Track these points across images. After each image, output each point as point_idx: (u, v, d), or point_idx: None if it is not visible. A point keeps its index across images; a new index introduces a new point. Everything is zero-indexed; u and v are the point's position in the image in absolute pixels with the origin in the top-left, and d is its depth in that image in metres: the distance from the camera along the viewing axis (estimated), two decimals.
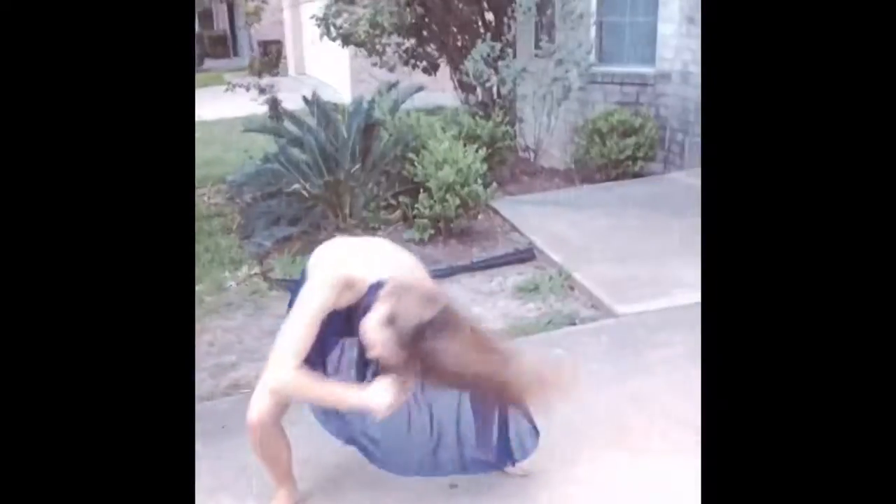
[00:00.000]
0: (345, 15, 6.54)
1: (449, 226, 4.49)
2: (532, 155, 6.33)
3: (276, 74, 9.20)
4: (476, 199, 4.41)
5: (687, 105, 6.05)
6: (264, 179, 4.71)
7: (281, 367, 1.79)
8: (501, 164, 5.70)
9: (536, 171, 6.30)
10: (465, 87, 6.63)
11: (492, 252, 4.43)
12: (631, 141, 5.77)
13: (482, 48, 5.85)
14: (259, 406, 1.92)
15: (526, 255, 4.32)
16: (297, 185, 4.45)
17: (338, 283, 1.79)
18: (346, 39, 6.64)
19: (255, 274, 4.14)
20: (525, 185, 5.94)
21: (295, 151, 4.70)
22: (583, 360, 3.00)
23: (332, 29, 6.33)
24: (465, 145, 4.57)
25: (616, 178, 5.90)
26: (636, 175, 5.89)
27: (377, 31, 6.85)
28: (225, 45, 24.11)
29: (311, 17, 6.28)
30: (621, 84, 6.50)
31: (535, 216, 4.92)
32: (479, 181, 4.41)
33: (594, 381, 2.81)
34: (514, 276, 4.13)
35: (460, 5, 7.78)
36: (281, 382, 1.82)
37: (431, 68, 7.85)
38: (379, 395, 1.79)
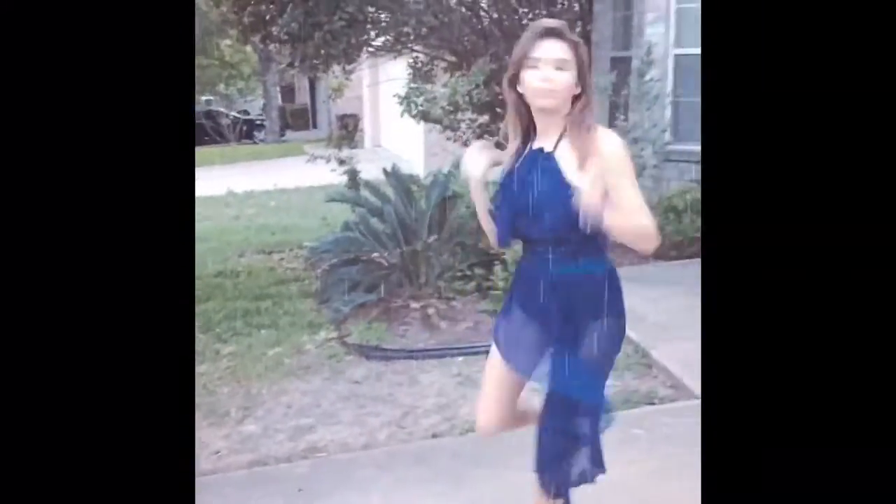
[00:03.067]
0: (426, 93, 6.82)
1: None
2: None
3: (354, 147, 9.54)
4: None
5: None
6: (343, 247, 4.85)
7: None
8: None
9: (611, 247, 6.28)
10: None
11: None
12: None
13: None
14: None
15: None
16: (375, 254, 4.57)
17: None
18: (425, 116, 6.91)
19: (333, 338, 4.23)
20: None
21: (374, 221, 4.84)
22: (664, 443, 2.93)
23: (412, 107, 6.60)
24: None
25: (690, 257, 5.82)
26: None
27: (452, 108, 7.08)
28: (305, 118, 25.23)
29: (394, 96, 6.57)
30: (697, 163, 6.49)
31: None
32: None
33: (676, 464, 2.72)
34: None
35: None
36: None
37: (504, 143, 8.04)
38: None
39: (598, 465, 2.05)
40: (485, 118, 7.88)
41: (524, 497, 2.61)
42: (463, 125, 7.77)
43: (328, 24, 6.05)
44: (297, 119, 25.07)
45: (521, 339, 1.94)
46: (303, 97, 26.20)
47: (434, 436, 3.14)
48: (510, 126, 1.87)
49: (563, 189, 1.72)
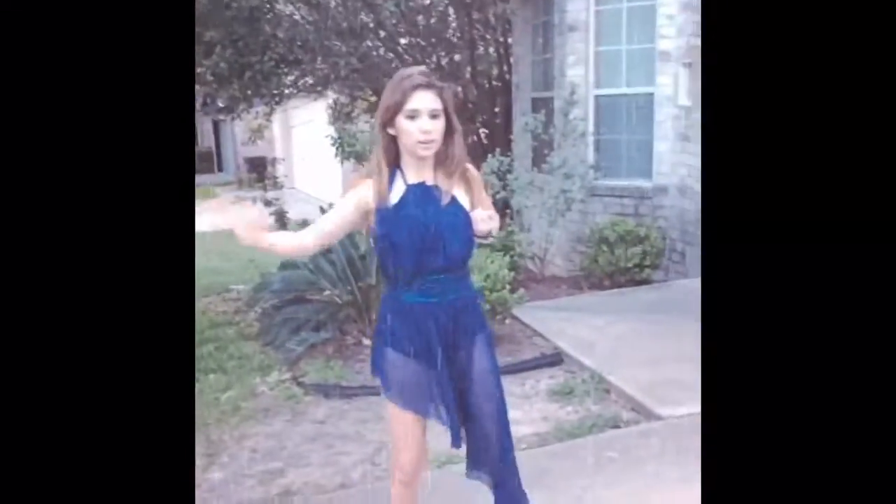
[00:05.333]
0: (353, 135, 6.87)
1: None
2: (539, 263, 6.49)
3: (273, 188, 9.42)
4: (504, 305, 4.49)
5: (686, 216, 6.33)
6: (292, 285, 4.76)
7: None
8: (512, 271, 5.83)
9: (543, 279, 6.45)
10: None
11: (519, 356, 4.47)
12: (638, 249, 5.99)
13: (492, 162, 6.12)
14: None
15: (554, 359, 4.37)
16: (327, 292, 4.50)
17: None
18: (358, 157, 6.94)
19: (286, 379, 4.11)
20: (534, 291, 6.06)
21: (321, 259, 4.78)
22: (639, 463, 3.01)
23: (343, 148, 6.61)
24: (490, 253, 4.70)
25: (623, 286, 6.06)
26: (642, 282, 6.07)
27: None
28: (210, 161, 24.63)
29: (327, 137, 6.56)
30: (620, 196, 6.80)
31: (553, 321, 5.00)
32: (506, 287, 4.51)
33: (657, 483, 2.81)
34: (546, 379, 4.16)
35: (461, 126, 8.18)
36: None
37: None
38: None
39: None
40: None
41: None
42: None
43: (258, 63, 5.99)
44: (202, 162, 24.43)
45: (414, 379, 2.00)
46: (206, 140, 25.61)
47: None
48: (379, 163, 1.95)
49: (464, 217, 1.93)
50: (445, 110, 1.90)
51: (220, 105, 9.92)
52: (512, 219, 6.35)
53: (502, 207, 6.60)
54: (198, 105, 12.37)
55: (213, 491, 3.04)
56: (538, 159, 6.85)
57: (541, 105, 7.42)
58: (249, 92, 6.69)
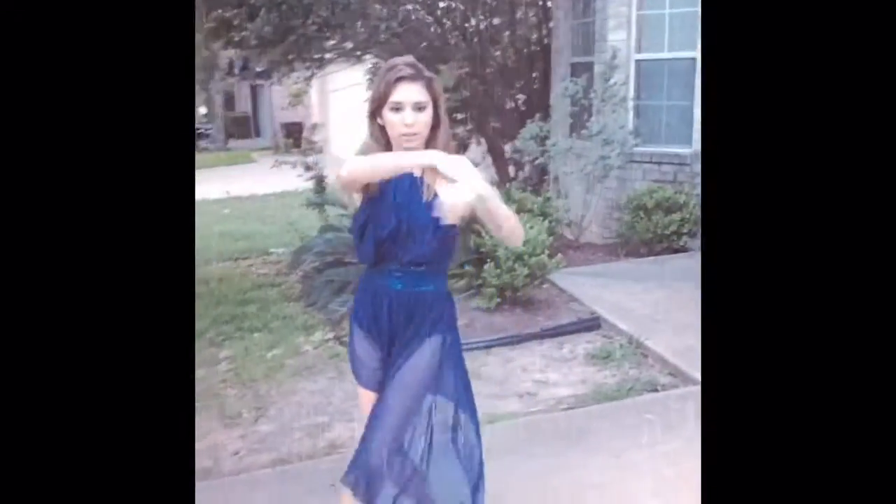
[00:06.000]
0: None
1: (515, 295, 4.61)
2: (576, 229, 6.51)
3: (312, 153, 9.51)
4: (542, 269, 4.54)
5: None
6: (333, 247, 4.86)
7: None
8: (551, 236, 5.86)
9: (580, 246, 6.47)
10: (516, 165, 6.89)
11: (556, 321, 4.53)
12: (676, 217, 5.96)
13: (532, 128, 6.11)
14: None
15: (592, 323, 4.42)
16: None
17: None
18: None
19: (330, 339, 4.23)
20: (571, 258, 6.09)
21: None
22: (676, 426, 3.07)
23: None
24: (529, 218, 4.74)
25: (660, 253, 6.05)
26: (679, 250, 6.05)
27: None
28: (247, 126, 24.83)
29: (365, 102, 6.59)
30: (659, 163, 6.75)
31: (590, 287, 5.04)
32: (545, 252, 4.55)
33: (694, 446, 2.86)
34: (584, 344, 4.22)
35: (499, 91, 8.17)
36: (346, 170, 1.84)
37: (460, 148, 8.18)
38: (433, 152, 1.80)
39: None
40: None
41: (547, 483, 2.71)
42: None
43: (301, 28, 6.04)
44: (240, 127, 24.66)
45: (370, 360, 2.01)
46: (243, 105, 25.80)
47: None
48: (368, 152, 1.93)
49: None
50: (435, 101, 1.88)
51: (258, 70, 9.99)
52: (550, 185, 6.36)
53: (540, 174, 6.62)
54: (236, 70, 12.45)
55: (262, 442, 3.17)
56: (577, 125, 6.81)
57: (580, 70, 7.34)
58: (291, 56, 6.73)
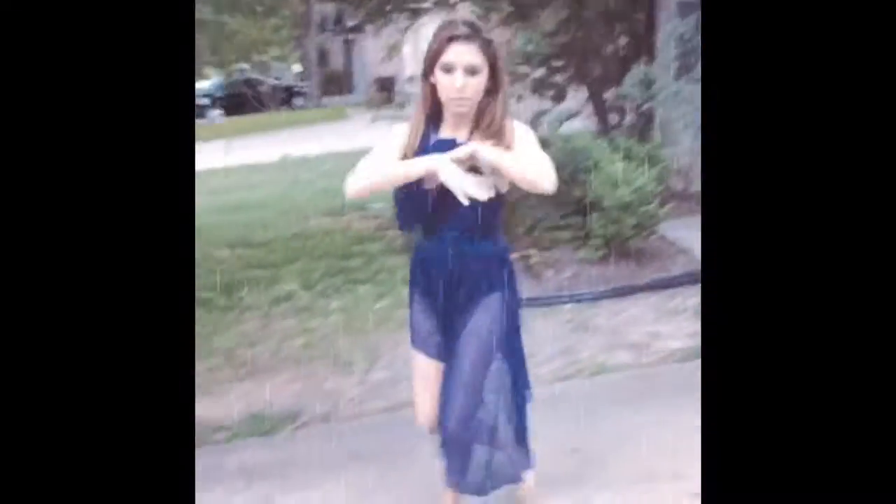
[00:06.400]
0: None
1: (621, 246, 4.49)
2: (685, 178, 6.25)
3: (409, 105, 9.52)
4: (651, 219, 4.39)
5: None
6: None
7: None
8: (660, 186, 5.66)
9: (689, 195, 6.21)
10: (619, 112, 6.68)
11: (664, 273, 4.38)
12: None
13: (637, 73, 5.86)
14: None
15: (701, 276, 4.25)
16: None
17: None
18: None
19: None
20: (678, 208, 5.86)
21: None
22: None
23: None
24: (637, 166, 4.58)
25: None
26: None
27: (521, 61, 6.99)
28: (341, 83, 25.14)
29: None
30: None
31: (698, 239, 4.84)
32: (654, 201, 4.40)
33: None
34: (694, 297, 4.07)
35: (600, 34, 7.86)
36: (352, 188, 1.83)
37: (558, 97, 7.94)
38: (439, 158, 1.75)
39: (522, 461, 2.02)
40: (541, 72, 7.75)
41: (661, 434, 2.65)
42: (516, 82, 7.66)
43: None
44: (332, 83, 25.00)
45: (426, 325, 1.97)
46: (336, 61, 26.10)
47: (564, 378, 3.19)
48: (419, 112, 1.86)
49: None
50: (493, 65, 1.77)
51: (351, 24, 10.01)
52: (656, 132, 6.11)
53: (646, 121, 6.37)
54: (329, 25, 12.55)
55: (376, 390, 3.26)
56: (684, 69, 6.48)
57: (688, 10, 6.95)
58: (389, 7, 6.69)
